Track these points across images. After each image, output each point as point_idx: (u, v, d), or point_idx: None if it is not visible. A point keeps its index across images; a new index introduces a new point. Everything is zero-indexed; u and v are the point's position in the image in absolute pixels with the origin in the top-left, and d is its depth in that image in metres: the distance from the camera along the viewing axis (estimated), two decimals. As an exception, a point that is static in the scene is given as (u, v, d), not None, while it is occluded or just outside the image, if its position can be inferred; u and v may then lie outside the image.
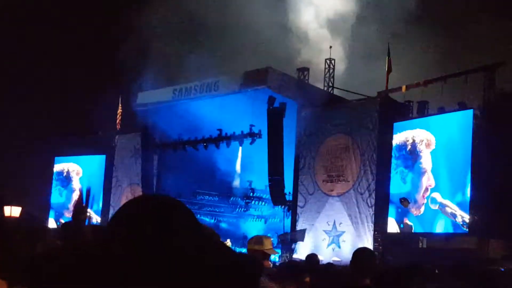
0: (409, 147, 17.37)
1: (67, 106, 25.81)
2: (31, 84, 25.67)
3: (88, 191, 3.19)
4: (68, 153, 25.69)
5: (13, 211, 22.32)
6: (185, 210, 1.20)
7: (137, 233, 1.12)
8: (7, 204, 22.14)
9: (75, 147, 25.08)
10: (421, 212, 16.77)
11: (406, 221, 17.09)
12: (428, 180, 16.72)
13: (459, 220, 15.76)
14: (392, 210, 17.40)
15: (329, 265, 8.65)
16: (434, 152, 16.75)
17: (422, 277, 4.49)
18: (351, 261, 4.63)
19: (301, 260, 12.89)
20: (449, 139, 16.40)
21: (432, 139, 16.88)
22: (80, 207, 3.14)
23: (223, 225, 25.85)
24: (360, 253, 4.65)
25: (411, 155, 17.29)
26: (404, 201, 16.84)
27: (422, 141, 17.09)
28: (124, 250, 1.11)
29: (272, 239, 5.94)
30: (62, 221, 23.87)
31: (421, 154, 17.08)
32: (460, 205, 15.78)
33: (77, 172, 25.79)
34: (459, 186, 15.91)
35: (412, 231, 16.98)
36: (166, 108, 22.09)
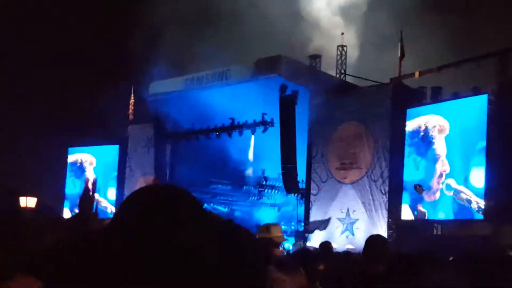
0: (421, 133, 17.25)
1: (80, 97, 25.88)
2: (44, 75, 25.73)
3: (94, 181, 3.17)
4: (82, 143, 25.81)
5: (28, 202, 22.50)
6: (193, 200, 1.18)
7: (144, 225, 1.10)
8: (23, 195, 22.33)
9: (89, 138, 25.21)
10: (436, 198, 16.67)
11: (420, 207, 17.00)
12: (442, 166, 16.60)
13: (474, 206, 15.64)
14: (406, 197, 17.32)
15: (347, 253, 8.62)
16: (448, 137, 16.63)
17: (436, 264, 4.44)
18: (363, 249, 4.59)
19: (314, 248, 12.86)
20: (463, 125, 16.25)
21: (446, 124, 16.75)
22: (87, 197, 3.12)
23: (237, 213, 25.85)
24: (372, 240, 4.62)
25: (424, 141, 17.18)
26: (419, 188, 16.74)
27: (435, 127, 16.96)
28: (124, 247, 1.08)
29: (281, 226, 5.90)
30: (77, 211, 23.99)
31: (434, 140, 16.95)
32: (475, 191, 15.67)
33: (90, 162, 25.90)
34: (474, 172, 15.78)
35: (426, 218, 16.90)
36: (178, 98, 22.09)
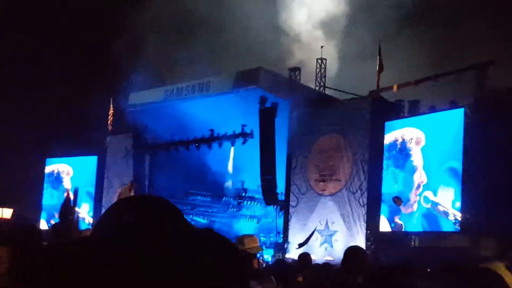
0: (399, 146, 17.41)
1: (58, 108, 25.70)
2: (21, 85, 25.53)
3: (76, 191, 3.19)
4: (59, 154, 25.60)
5: (4, 213, 22.25)
6: (175, 210, 1.19)
7: (125, 235, 1.09)
8: (-1, 206, 22.09)
9: (66, 149, 25.01)
10: (414, 210, 16.79)
11: (397, 219, 17.11)
12: (420, 177, 16.75)
13: (451, 218, 15.79)
14: (384, 209, 17.42)
15: (326, 265, 8.64)
16: (424, 149, 16.78)
17: (413, 276, 4.48)
18: (343, 260, 4.62)
19: (293, 260, 12.87)
20: (440, 138, 16.42)
21: (422, 136, 16.93)
22: (68, 207, 3.14)
23: (216, 225, 25.75)
24: (351, 252, 4.65)
25: (401, 154, 17.33)
26: (397, 200, 16.85)
27: (412, 139, 17.13)
28: (104, 257, 1.08)
29: (261, 237, 5.91)
30: (53, 222, 23.80)
31: (411, 152, 17.12)
32: (451, 204, 15.81)
33: (67, 173, 25.69)
34: (451, 184, 15.93)
35: (403, 230, 17.00)
36: (157, 109, 22.04)
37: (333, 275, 6.66)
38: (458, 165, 15.71)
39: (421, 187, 16.67)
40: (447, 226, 15.96)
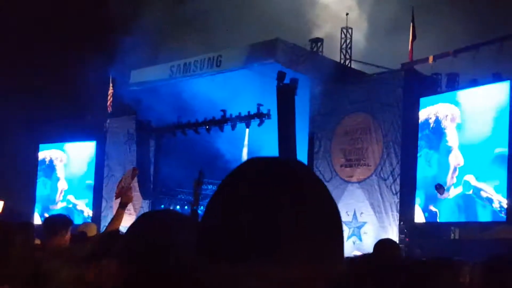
0: (432, 124, 17.29)
1: (52, 88, 25.74)
2: (9, 61, 25.57)
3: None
4: (54, 140, 25.69)
5: (-5, 206, 22.42)
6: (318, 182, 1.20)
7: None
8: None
9: (62, 133, 25.09)
10: (450, 196, 16.69)
11: (431, 207, 17.03)
12: (456, 159, 16.64)
13: (496, 205, 15.64)
14: (418, 197, 17.34)
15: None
16: (464, 128, 16.64)
17: (453, 271, 4.40)
18: (371, 254, 4.57)
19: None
20: (483, 115, 16.24)
21: (457, 112, 16.79)
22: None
23: (230, 217, 25.81)
24: (381, 245, 4.61)
25: (435, 133, 17.22)
26: (440, 188, 16.71)
27: (447, 115, 17.00)
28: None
29: None
30: (47, 215, 23.93)
31: (446, 131, 17.00)
32: (497, 189, 15.67)
33: (60, 159, 25.76)
34: (495, 168, 15.78)
35: (437, 219, 16.91)
36: (163, 88, 21.98)
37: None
38: (503, 145, 15.55)
39: (457, 170, 16.56)
40: (491, 214, 15.82)
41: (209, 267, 1.11)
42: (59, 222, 6.12)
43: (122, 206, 5.68)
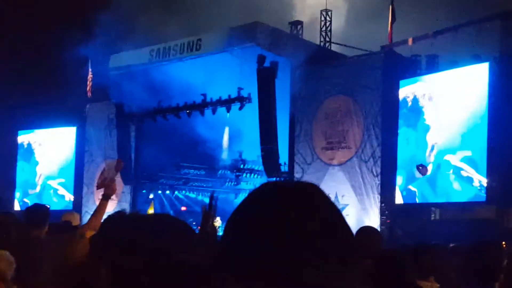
0: (409, 103, 17.37)
1: (31, 74, 25.46)
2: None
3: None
4: (34, 125, 25.49)
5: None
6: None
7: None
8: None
9: (42, 119, 24.89)
10: (428, 173, 16.77)
11: (410, 187, 17.13)
12: (433, 137, 16.74)
13: (476, 184, 15.74)
14: (400, 175, 17.42)
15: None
16: (444, 108, 16.71)
17: (432, 256, 4.43)
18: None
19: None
20: (463, 96, 16.31)
21: (435, 91, 16.88)
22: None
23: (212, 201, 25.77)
24: (361, 233, 4.62)
25: (413, 112, 17.30)
26: (423, 169, 16.77)
27: (424, 94, 17.09)
28: None
29: None
30: (27, 200, 23.77)
31: (423, 110, 17.09)
32: (476, 168, 15.76)
33: (39, 143, 25.58)
34: (475, 147, 15.87)
35: (416, 198, 17.01)
36: (142, 72, 21.85)
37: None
38: (483, 126, 15.63)
39: (435, 148, 16.65)
40: (471, 194, 15.93)
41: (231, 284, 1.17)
42: (41, 214, 6.07)
43: (106, 198, 5.62)
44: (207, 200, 25.51)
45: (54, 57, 22.16)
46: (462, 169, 16.06)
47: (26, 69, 25.26)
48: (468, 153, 16.01)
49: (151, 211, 22.95)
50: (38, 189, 25.02)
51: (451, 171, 16.29)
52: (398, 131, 17.46)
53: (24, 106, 24.90)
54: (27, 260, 5.01)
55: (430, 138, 16.82)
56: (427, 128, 16.95)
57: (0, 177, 25.37)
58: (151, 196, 24.40)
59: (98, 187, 5.68)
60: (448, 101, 16.65)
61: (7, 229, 5.66)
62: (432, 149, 16.71)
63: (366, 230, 4.88)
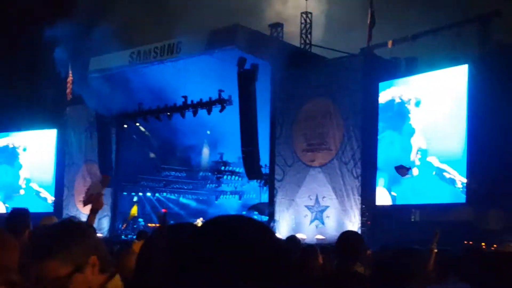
0: (395, 107, 17.39)
1: (12, 76, 25.25)
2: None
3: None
4: (14, 128, 25.30)
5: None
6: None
7: None
8: None
9: (22, 121, 24.70)
10: (414, 174, 16.81)
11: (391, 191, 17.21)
12: (418, 141, 16.77)
13: (458, 186, 15.79)
14: (381, 178, 17.44)
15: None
16: (425, 111, 16.77)
17: (414, 260, 4.40)
18: (336, 245, 4.55)
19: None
20: (442, 98, 16.37)
21: (422, 96, 16.92)
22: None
23: (192, 203, 25.76)
24: (345, 237, 4.61)
25: (399, 115, 17.32)
26: (401, 169, 16.77)
27: (410, 99, 17.12)
28: None
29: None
30: (8, 206, 23.61)
31: (409, 115, 17.12)
32: (458, 170, 15.81)
33: (23, 148, 25.46)
34: (456, 149, 15.92)
35: (395, 202, 17.06)
36: (123, 75, 21.75)
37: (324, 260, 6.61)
38: (462, 128, 15.69)
39: (419, 152, 16.70)
40: (452, 196, 15.97)
41: None
42: (23, 219, 5.99)
43: (94, 212, 5.59)
44: (188, 202, 25.51)
45: (35, 60, 22.00)
46: (444, 171, 16.10)
47: (6, 72, 25.05)
48: (449, 154, 16.06)
49: (134, 212, 22.93)
50: (22, 192, 24.89)
51: (434, 173, 16.34)
52: (383, 134, 17.46)
53: (5, 109, 24.69)
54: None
55: (415, 141, 16.84)
56: (412, 132, 16.98)
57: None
58: (135, 199, 24.28)
59: (85, 204, 5.60)
60: (429, 103, 16.70)
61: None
62: (417, 153, 16.75)
63: (348, 235, 4.87)
